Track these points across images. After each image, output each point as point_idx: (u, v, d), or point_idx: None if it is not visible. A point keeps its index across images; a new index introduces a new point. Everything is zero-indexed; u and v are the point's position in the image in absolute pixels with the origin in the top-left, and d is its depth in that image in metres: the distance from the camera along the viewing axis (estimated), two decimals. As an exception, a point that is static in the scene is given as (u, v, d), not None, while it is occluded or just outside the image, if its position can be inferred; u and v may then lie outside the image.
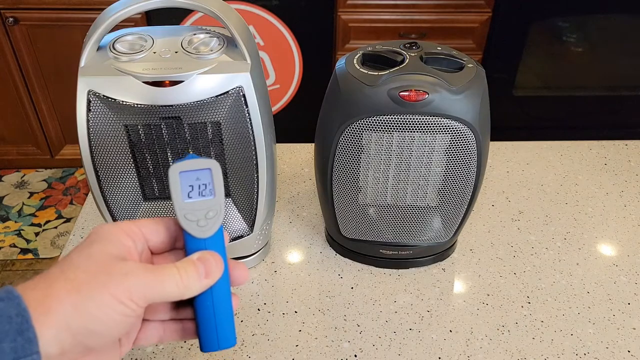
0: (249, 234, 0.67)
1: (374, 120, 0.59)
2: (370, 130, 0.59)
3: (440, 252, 0.71)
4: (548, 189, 0.85)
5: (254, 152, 0.60)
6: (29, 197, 2.01)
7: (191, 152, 0.60)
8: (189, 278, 0.35)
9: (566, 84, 1.87)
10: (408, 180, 0.63)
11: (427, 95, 0.57)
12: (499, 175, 0.87)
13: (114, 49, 0.57)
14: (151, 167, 0.61)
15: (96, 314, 0.32)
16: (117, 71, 0.55)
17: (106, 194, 0.61)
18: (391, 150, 0.61)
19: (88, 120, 0.56)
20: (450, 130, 0.58)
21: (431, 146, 0.60)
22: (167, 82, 0.55)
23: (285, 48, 1.72)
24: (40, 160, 2.05)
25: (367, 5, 1.66)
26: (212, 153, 0.61)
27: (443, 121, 0.58)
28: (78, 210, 1.94)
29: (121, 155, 0.59)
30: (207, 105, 0.56)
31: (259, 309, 0.66)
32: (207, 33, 0.60)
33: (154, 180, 0.62)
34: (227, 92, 0.56)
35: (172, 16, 1.61)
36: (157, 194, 0.64)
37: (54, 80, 1.81)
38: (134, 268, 0.34)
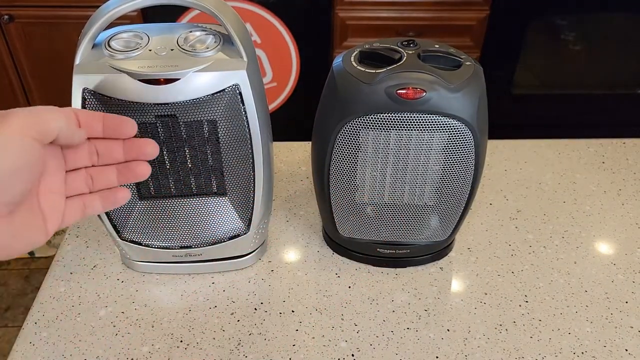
0: (245, 233, 0.66)
1: (372, 118, 0.58)
2: (368, 128, 0.59)
3: (437, 251, 0.71)
4: (546, 187, 0.85)
5: (250, 151, 0.59)
6: (25, 196, 2.00)
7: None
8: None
9: (564, 82, 1.87)
10: (405, 178, 0.63)
11: (424, 93, 0.56)
12: (497, 174, 0.87)
13: (109, 46, 0.56)
14: (147, 165, 0.61)
15: None
16: (113, 69, 0.54)
17: (101, 193, 0.61)
18: (388, 149, 0.61)
19: (83, 119, 0.56)
20: (448, 129, 0.58)
21: (429, 144, 0.60)
22: (163, 80, 0.54)
23: (282, 46, 1.71)
24: (36, 159, 2.04)
25: (365, 3, 1.66)
26: (208, 151, 0.60)
27: (441, 119, 0.58)
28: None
29: (116, 153, 0.58)
30: (203, 103, 0.56)
31: (255, 308, 0.66)
32: (203, 30, 0.59)
33: (149, 179, 0.62)
34: (224, 90, 0.56)
35: (168, 14, 1.60)
36: (152, 193, 0.63)
37: (49, 78, 1.80)
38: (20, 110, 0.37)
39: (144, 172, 0.43)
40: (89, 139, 0.41)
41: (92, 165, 0.42)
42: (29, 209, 0.38)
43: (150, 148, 0.42)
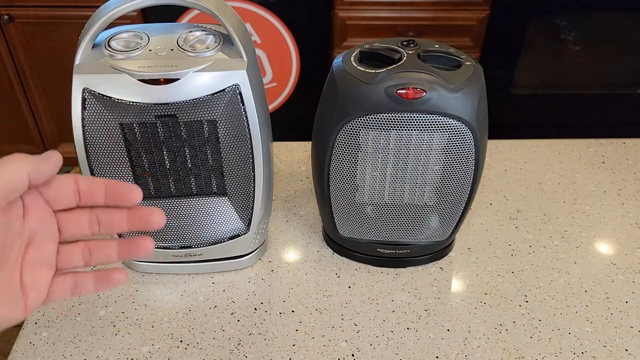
0: (245, 233, 0.66)
1: (371, 118, 0.58)
2: (368, 128, 0.59)
3: (437, 251, 0.71)
4: (546, 187, 0.85)
5: (250, 151, 0.59)
6: (25, 196, 2.00)
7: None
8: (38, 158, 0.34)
9: (564, 82, 1.87)
10: (405, 178, 0.63)
11: (424, 93, 0.56)
12: (497, 174, 0.87)
13: (109, 46, 0.56)
14: (147, 165, 0.61)
15: None
16: (113, 69, 0.54)
17: (101, 193, 0.61)
18: (388, 149, 0.61)
19: (83, 119, 0.56)
20: (448, 129, 0.58)
21: (429, 144, 0.60)
22: (163, 80, 0.54)
23: (282, 46, 1.71)
24: (36, 159, 2.04)
25: (365, 3, 1.66)
26: (208, 151, 0.60)
27: (441, 119, 0.58)
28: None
29: (116, 153, 0.58)
30: (203, 103, 0.56)
31: (255, 308, 0.66)
32: (203, 30, 0.59)
33: (149, 179, 0.62)
34: (224, 90, 0.56)
35: (168, 14, 1.60)
36: (152, 193, 0.63)
37: (50, 78, 1.80)
38: None
39: (149, 248, 0.38)
40: (90, 207, 0.37)
41: (92, 235, 0.38)
42: (1, 282, 0.34)
43: (156, 217, 0.38)
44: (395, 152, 0.61)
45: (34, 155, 0.34)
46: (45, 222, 0.36)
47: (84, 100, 0.55)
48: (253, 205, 0.64)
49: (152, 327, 0.63)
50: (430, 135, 0.59)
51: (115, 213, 0.38)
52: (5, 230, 0.33)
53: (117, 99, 0.54)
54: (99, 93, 0.54)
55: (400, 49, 0.60)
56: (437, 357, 0.60)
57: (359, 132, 0.60)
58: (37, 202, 0.35)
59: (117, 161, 0.59)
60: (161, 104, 0.55)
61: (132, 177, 0.61)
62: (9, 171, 0.32)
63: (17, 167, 0.32)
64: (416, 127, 0.58)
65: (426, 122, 0.58)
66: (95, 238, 0.38)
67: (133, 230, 0.38)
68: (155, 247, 0.66)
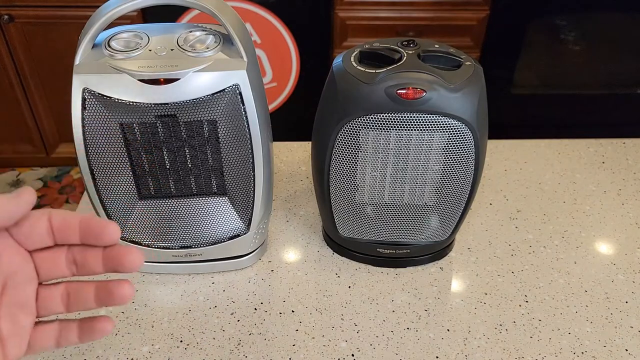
0: (245, 233, 0.66)
1: (371, 118, 0.58)
2: (368, 128, 0.59)
3: (437, 251, 0.71)
4: (546, 187, 0.85)
5: (250, 151, 0.59)
6: (24, 196, 2.00)
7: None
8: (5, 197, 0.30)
9: (564, 82, 1.87)
10: (405, 178, 0.63)
11: (424, 93, 0.56)
12: (497, 174, 0.87)
13: (109, 46, 0.56)
14: (147, 165, 0.61)
15: None
16: (113, 69, 0.54)
17: (101, 193, 0.61)
18: (388, 149, 0.61)
19: (83, 119, 0.56)
20: (448, 129, 0.58)
21: (429, 144, 0.60)
22: (163, 80, 0.54)
23: (282, 46, 1.71)
24: (36, 159, 2.04)
25: (365, 3, 1.66)
26: (208, 151, 0.60)
27: (441, 119, 0.58)
28: (74, 209, 1.93)
29: (116, 153, 0.58)
30: (203, 103, 0.56)
31: (255, 308, 0.66)
32: (203, 30, 0.59)
33: (149, 179, 0.62)
34: (224, 90, 0.56)
35: (168, 14, 1.60)
36: (152, 193, 0.63)
37: (50, 78, 1.80)
38: None
39: (126, 295, 0.33)
40: (67, 245, 0.34)
41: (72, 276, 0.34)
42: None
43: (133, 258, 0.33)
44: (395, 152, 0.61)
45: (1, 195, 0.31)
46: (19, 263, 0.33)
47: (84, 100, 0.55)
48: (253, 205, 0.64)
49: (152, 327, 0.63)
50: (430, 135, 0.59)
51: (90, 252, 0.33)
52: None
53: (117, 99, 0.54)
54: (99, 93, 0.54)
55: (400, 49, 0.60)
56: (437, 357, 0.60)
57: (359, 132, 0.60)
58: (8, 243, 0.32)
59: (117, 161, 0.59)
60: (161, 104, 0.55)
61: (132, 177, 0.61)
62: None
63: None
64: (416, 127, 0.58)
65: (426, 122, 0.58)
66: (75, 280, 0.35)
67: (108, 272, 0.34)
68: (155, 247, 0.66)
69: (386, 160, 0.62)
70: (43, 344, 0.34)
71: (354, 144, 0.61)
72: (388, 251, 0.69)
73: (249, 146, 0.59)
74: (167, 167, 0.61)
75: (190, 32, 0.59)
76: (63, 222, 0.33)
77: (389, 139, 0.60)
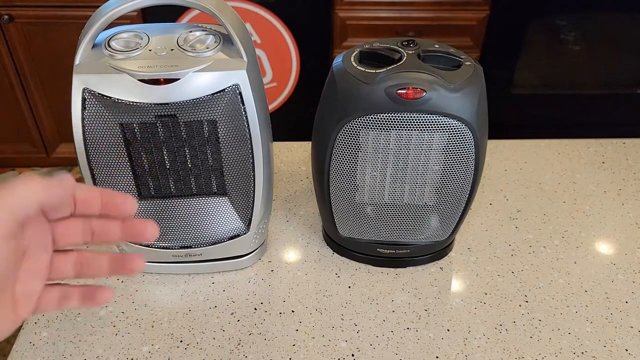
0: (245, 233, 0.66)
1: (371, 118, 0.58)
2: (368, 128, 0.59)
3: (437, 251, 0.71)
4: (546, 187, 0.85)
5: (250, 151, 0.59)
6: (25, 196, 1.99)
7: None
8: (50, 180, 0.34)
9: (564, 82, 1.87)
10: (405, 178, 0.63)
11: (424, 93, 0.56)
12: (497, 174, 0.87)
13: (109, 46, 0.56)
14: (147, 165, 0.61)
15: None
16: (113, 69, 0.54)
17: (101, 193, 0.61)
18: (388, 149, 0.61)
19: (83, 119, 0.56)
20: (448, 129, 0.58)
21: (429, 144, 0.60)
22: (163, 80, 0.54)
23: (282, 46, 1.71)
24: (36, 159, 2.04)
25: (365, 3, 1.66)
26: (208, 151, 0.60)
27: (441, 119, 0.58)
28: (74, 209, 1.93)
29: (116, 153, 0.58)
30: (203, 103, 0.56)
31: (255, 308, 0.66)
32: (203, 30, 0.59)
33: (149, 179, 0.62)
34: (224, 90, 0.56)
35: (168, 14, 1.60)
36: (152, 193, 0.63)
37: (50, 78, 1.80)
38: None
39: (138, 268, 0.38)
40: (84, 216, 0.37)
41: (85, 244, 0.37)
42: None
43: (150, 230, 0.37)
44: (395, 152, 0.61)
45: (45, 178, 0.33)
46: (41, 233, 0.35)
47: (84, 100, 0.55)
48: (253, 205, 0.64)
49: (152, 327, 0.63)
50: (430, 135, 0.59)
51: (109, 223, 0.37)
52: (14, 253, 0.33)
53: (117, 99, 0.54)
54: (99, 93, 0.54)
55: (400, 49, 0.60)
56: (437, 357, 0.60)
57: (359, 132, 0.60)
58: (36, 214, 0.34)
59: (117, 161, 0.59)
60: (161, 104, 0.55)
61: (132, 177, 0.61)
62: (19, 195, 0.32)
63: (28, 194, 0.32)
64: (416, 127, 0.58)
65: (426, 122, 0.58)
66: (84, 249, 0.38)
67: (126, 241, 0.37)
68: (155, 247, 0.66)
69: (386, 160, 0.62)
70: (47, 305, 0.37)
71: (354, 144, 0.61)
72: (388, 251, 0.69)
73: (249, 146, 0.59)
74: (167, 167, 0.61)
75: (190, 32, 0.59)
76: (86, 193, 0.36)
77: (389, 139, 0.60)
